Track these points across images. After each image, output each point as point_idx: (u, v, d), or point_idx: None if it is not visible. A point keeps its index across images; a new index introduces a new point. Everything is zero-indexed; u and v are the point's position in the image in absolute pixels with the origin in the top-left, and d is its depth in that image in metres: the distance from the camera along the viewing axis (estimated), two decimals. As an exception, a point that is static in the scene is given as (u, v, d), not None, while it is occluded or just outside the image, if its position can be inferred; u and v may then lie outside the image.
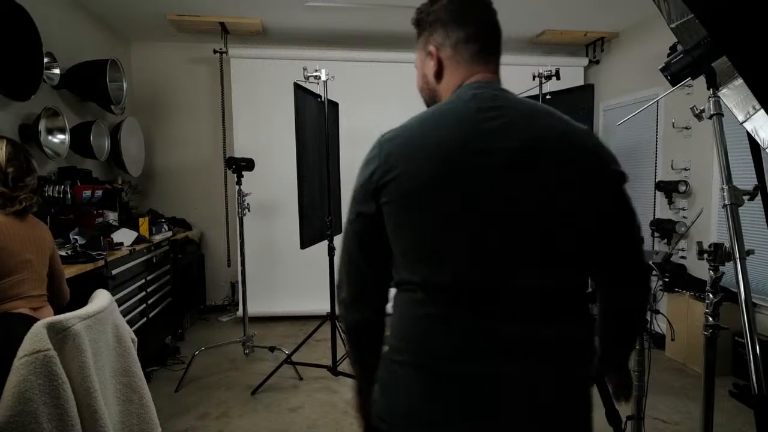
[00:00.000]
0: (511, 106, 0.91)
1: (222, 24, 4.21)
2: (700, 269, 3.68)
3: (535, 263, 0.87)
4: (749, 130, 1.28)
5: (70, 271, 2.28)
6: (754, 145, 1.30)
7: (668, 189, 3.87)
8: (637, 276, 1.04)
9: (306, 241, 2.99)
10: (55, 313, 1.82)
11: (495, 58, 1.00)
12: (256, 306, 4.58)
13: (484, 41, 0.98)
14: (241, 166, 3.32)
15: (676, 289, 3.58)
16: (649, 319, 1.92)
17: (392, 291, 0.99)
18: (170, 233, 3.86)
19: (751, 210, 2.39)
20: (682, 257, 3.87)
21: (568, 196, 0.88)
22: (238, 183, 3.37)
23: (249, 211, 3.47)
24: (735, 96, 1.24)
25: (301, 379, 3.27)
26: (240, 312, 4.31)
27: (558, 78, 3.28)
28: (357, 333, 1.02)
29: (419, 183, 0.87)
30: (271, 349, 3.53)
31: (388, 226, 0.91)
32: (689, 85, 3.61)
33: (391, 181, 0.89)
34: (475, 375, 0.85)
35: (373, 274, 0.96)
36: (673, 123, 3.84)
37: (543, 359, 0.87)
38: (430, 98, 1.05)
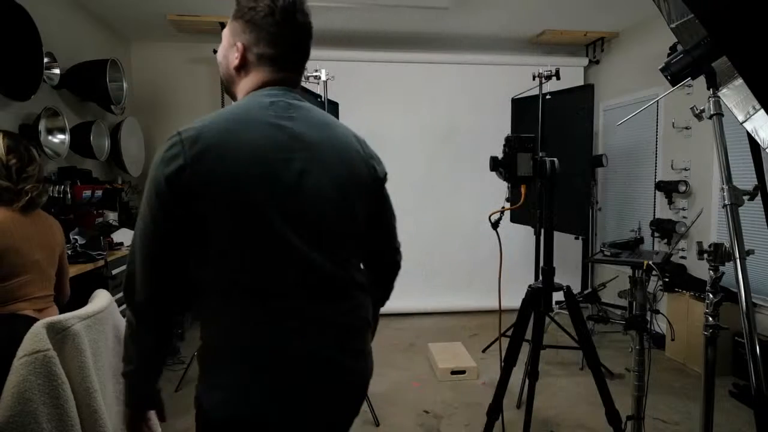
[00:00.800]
0: (302, 117, 1.00)
1: (222, 24, 4.19)
2: (700, 269, 3.68)
3: (324, 255, 0.98)
4: (749, 130, 1.28)
5: (70, 271, 2.27)
6: (754, 145, 1.30)
7: (668, 189, 3.87)
8: (389, 276, 1.34)
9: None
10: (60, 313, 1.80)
11: (297, 72, 1.07)
12: (256, 306, 4.58)
13: (291, 63, 1.05)
14: None
15: (676, 289, 3.58)
16: (649, 318, 1.92)
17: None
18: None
19: (751, 210, 2.39)
20: (682, 257, 3.87)
21: (349, 200, 1.02)
22: None
23: None
24: (735, 96, 1.24)
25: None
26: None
27: (558, 78, 3.28)
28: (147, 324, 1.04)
29: (241, 186, 0.92)
30: None
31: (204, 224, 0.93)
32: (689, 85, 3.60)
33: (207, 183, 0.91)
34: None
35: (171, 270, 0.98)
36: (673, 123, 3.84)
37: (326, 327, 1.00)
38: (228, 84, 1.11)
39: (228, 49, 1.06)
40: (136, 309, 1.00)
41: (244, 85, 1.05)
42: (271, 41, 1.00)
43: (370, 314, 1.13)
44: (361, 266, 1.16)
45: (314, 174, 0.96)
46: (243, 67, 1.04)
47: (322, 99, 3.13)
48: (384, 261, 1.32)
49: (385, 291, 1.34)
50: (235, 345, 0.95)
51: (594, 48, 4.91)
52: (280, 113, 0.98)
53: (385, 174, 1.14)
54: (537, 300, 1.87)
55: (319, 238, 0.98)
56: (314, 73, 3.03)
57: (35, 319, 1.69)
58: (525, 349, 2.14)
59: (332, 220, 1.00)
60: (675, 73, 1.17)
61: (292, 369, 0.95)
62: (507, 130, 4.01)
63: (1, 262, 1.69)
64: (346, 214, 1.03)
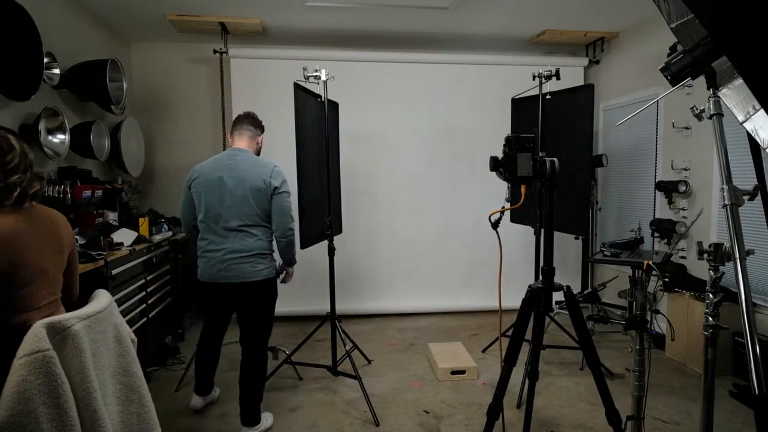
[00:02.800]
0: (238, 159, 2.57)
1: (222, 24, 4.21)
2: (700, 269, 3.68)
3: (237, 215, 2.51)
4: (749, 130, 1.27)
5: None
6: (754, 145, 1.30)
7: (668, 189, 3.87)
8: (281, 238, 2.61)
9: (306, 241, 2.99)
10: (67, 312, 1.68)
11: (244, 139, 2.68)
12: (256, 306, 4.58)
13: (241, 136, 2.69)
14: None
15: (676, 289, 3.58)
16: (649, 318, 1.92)
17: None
18: (170, 233, 3.86)
19: (751, 210, 2.39)
20: (682, 257, 3.87)
21: (245, 193, 2.51)
22: None
23: None
24: (735, 96, 1.24)
25: (300, 378, 3.28)
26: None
27: (558, 78, 3.28)
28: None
29: (208, 184, 2.55)
30: (271, 349, 3.51)
31: (198, 198, 2.60)
32: (689, 85, 3.61)
33: (198, 183, 2.58)
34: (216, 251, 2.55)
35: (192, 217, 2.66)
36: (673, 123, 3.84)
37: (241, 252, 2.53)
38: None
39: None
40: (185, 231, 2.74)
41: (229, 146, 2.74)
42: (235, 126, 2.73)
43: (258, 248, 2.54)
44: (261, 229, 2.58)
45: (230, 180, 2.51)
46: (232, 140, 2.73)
47: (322, 99, 3.12)
48: (277, 231, 2.59)
49: (282, 245, 2.63)
50: (203, 249, 2.59)
51: (594, 48, 4.92)
52: (229, 157, 2.59)
53: (276, 187, 2.54)
54: (537, 300, 1.87)
55: (231, 207, 2.51)
56: (314, 73, 3.03)
57: None
58: (525, 349, 2.14)
59: (234, 201, 2.51)
60: (675, 73, 1.17)
61: (216, 261, 2.53)
62: (507, 130, 4.01)
63: (9, 279, 1.53)
64: (241, 200, 2.51)
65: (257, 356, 2.62)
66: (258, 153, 2.73)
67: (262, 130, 2.78)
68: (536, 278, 3.07)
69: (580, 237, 4.62)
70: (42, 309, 1.65)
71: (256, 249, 2.53)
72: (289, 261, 2.72)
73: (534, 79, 3.44)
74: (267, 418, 2.68)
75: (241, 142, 2.65)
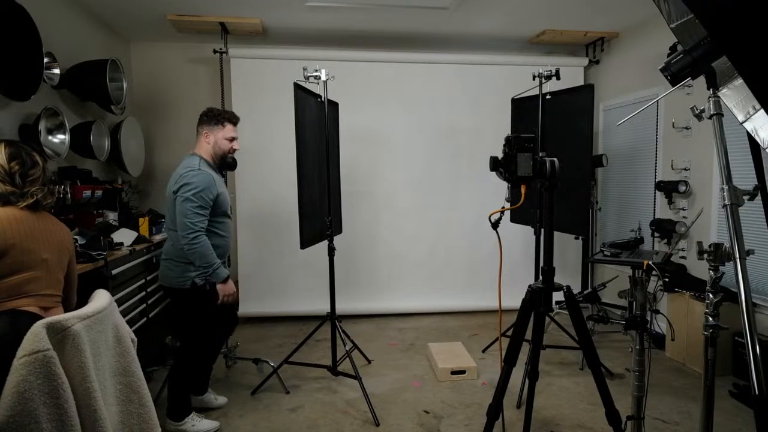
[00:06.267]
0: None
1: (222, 24, 4.20)
2: (700, 269, 3.68)
3: (167, 216, 2.56)
4: (749, 130, 1.27)
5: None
6: (754, 145, 1.30)
7: (668, 189, 3.87)
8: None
9: (306, 241, 2.99)
10: None
11: (197, 141, 2.66)
12: (256, 306, 4.58)
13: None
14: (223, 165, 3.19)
15: (676, 289, 3.58)
16: (649, 318, 1.92)
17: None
18: (170, 233, 3.85)
19: (751, 210, 2.39)
20: (682, 257, 3.87)
21: (169, 197, 2.51)
22: None
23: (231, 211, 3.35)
24: (735, 96, 1.24)
25: (287, 392, 3.27)
26: (239, 312, 4.31)
27: (558, 78, 3.28)
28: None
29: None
30: (255, 361, 3.40)
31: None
32: (689, 85, 3.61)
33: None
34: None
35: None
36: (673, 123, 3.84)
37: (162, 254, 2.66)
38: None
39: None
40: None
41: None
42: None
43: (169, 254, 2.56)
44: (173, 233, 2.54)
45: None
46: None
47: (322, 99, 3.12)
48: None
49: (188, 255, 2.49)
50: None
51: (594, 48, 4.92)
52: None
53: (174, 192, 2.44)
54: (537, 300, 1.87)
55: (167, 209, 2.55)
56: (314, 73, 3.03)
57: (39, 317, 1.68)
58: (525, 349, 2.15)
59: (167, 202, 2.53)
60: (675, 73, 1.17)
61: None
62: (507, 130, 4.01)
63: (3, 259, 1.69)
64: (168, 201, 2.52)
65: (177, 358, 2.66)
66: (213, 151, 2.62)
67: (211, 124, 2.59)
68: (536, 278, 3.07)
69: (580, 237, 4.62)
70: (40, 298, 1.76)
71: (168, 254, 2.54)
72: (209, 274, 2.47)
73: (534, 79, 3.44)
74: (196, 424, 2.59)
75: (196, 145, 2.65)
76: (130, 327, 1.85)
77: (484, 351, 3.79)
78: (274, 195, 4.55)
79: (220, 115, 2.61)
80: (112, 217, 3.52)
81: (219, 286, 2.52)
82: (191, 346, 2.64)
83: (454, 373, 3.27)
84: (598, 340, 3.97)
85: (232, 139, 2.66)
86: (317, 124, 3.16)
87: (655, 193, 4.13)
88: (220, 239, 2.60)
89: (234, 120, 2.67)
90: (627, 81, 4.53)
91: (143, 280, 3.25)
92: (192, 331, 2.62)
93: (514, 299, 2.29)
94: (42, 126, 2.95)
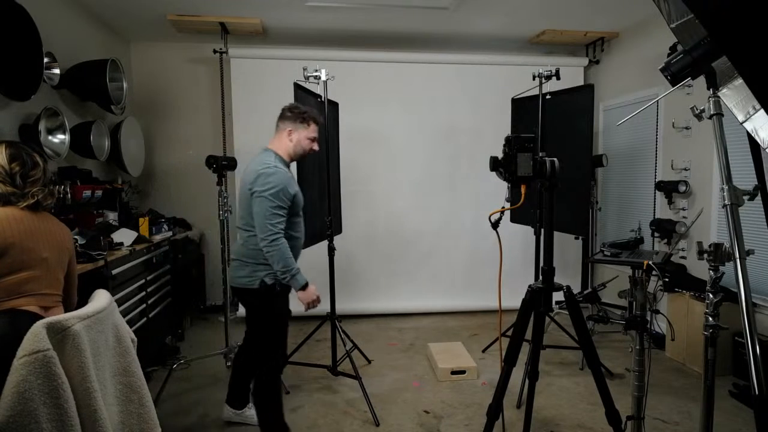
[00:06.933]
0: (253, 159, 2.40)
1: (222, 24, 4.20)
2: (700, 269, 3.68)
3: (239, 215, 2.41)
4: (749, 130, 1.27)
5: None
6: (754, 145, 1.30)
7: (668, 189, 3.87)
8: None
9: (306, 242, 2.98)
10: None
11: (273, 136, 2.46)
12: (256, 306, 4.57)
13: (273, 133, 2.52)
14: (222, 165, 3.12)
15: (676, 289, 3.58)
16: (649, 318, 1.92)
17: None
18: (170, 233, 3.86)
19: (751, 210, 2.39)
20: (682, 257, 3.87)
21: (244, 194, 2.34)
22: (219, 183, 3.16)
23: (231, 213, 3.24)
24: (735, 96, 1.24)
25: (287, 392, 3.27)
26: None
27: (558, 78, 3.28)
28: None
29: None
30: None
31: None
32: (689, 85, 3.61)
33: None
34: None
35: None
36: (673, 123, 3.84)
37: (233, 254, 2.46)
38: None
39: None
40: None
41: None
42: None
43: (239, 254, 2.39)
44: (246, 232, 2.37)
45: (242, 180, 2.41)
46: None
47: (322, 99, 3.12)
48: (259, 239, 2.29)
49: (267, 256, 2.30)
50: None
51: (594, 48, 4.92)
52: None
53: (253, 190, 2.25)
54: (537, 300, 1.87)
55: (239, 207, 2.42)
56: (314, 73, 3.03)
57: (39, 316, 1.68)
58: (525, 349, 2.14)
59: (239, 199, 2.42)
60: (675, 73, 1.17)
61: None
62: (507, 130, 4.01)
63: (3, 258, 1.69)
64: (241, 199, 2.38)
65: (249, 356, 2.72)
66: (293, 150, 2.43)
67: (296, 122, 2.42)
68: (536, 278, 3.07)
69: (580, 237, 4.62)
70: (40, 297, 1.77)
71: (237, 254, 2.38)
72: (288, 280, 2.31)
73: (534, 79, 3.44)
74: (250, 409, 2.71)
75: (271, 140, 2.45)
76: (130, 327, 1.85)
77: (484, 351, 3.79)
78: (274, 195, 4.54)
79: (306, 113, 2.45)
80: (112, 217, 3.53)
81: (300, 295, 2.35)
82: (265, 348, 2.51)
83: (454, 373, 3.27)
84: (598, 340, 3.97)
85: (314, 140, 2.49)
86: (317, 124, 3.16)
87: (655, 193, 4.13)
88: (295, 240, 2.41)
89: (319, 121, 2.53)
90: (627, 81, 4.53)
91: (143, 280, 3.25)
92: (265, 332, 2.49)
93: (514, 299, 2.29)
94: (42, 126, 2.95)
